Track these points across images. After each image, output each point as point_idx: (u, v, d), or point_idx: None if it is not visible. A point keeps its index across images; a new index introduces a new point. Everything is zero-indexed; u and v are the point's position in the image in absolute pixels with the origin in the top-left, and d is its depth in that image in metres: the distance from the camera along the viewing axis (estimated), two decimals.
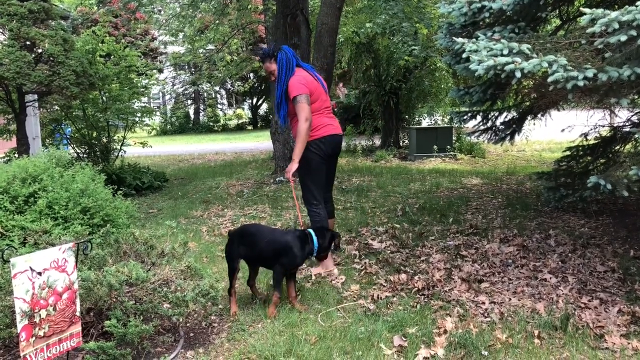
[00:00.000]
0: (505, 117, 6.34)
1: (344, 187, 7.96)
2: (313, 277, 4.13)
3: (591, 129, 6.02)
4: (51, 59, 6.75)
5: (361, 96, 14.26)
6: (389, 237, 5.13)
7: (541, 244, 4.69)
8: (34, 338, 2.37)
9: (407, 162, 11.37)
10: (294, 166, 4.01)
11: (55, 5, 7.93)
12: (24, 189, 3.88)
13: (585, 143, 5.96)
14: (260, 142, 18.49)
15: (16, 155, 7.19)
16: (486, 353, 2.86)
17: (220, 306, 3.44)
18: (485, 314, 3.36)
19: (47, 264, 2.42)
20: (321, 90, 4.18)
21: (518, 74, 3.42)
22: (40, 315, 2.39)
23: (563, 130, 6.40)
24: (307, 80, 4.06)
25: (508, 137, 6.29)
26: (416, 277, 3.98)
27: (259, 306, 3.57)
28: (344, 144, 13.48)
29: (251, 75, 26.38)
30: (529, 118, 6.26)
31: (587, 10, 3.31)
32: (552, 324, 3.14)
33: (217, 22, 13.28)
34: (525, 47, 3.54)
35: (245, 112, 31.65)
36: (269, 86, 14.95)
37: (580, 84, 3.28)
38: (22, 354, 2.32)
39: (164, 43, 24.88)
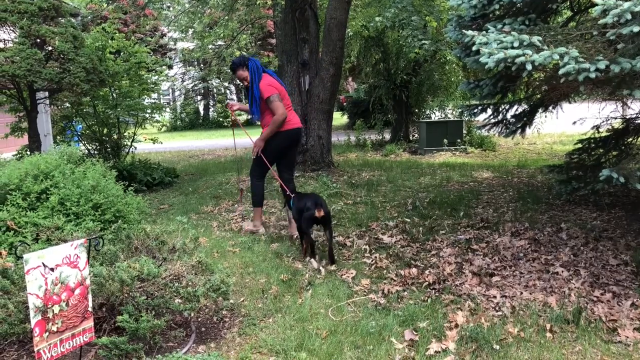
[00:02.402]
0: (516, 110, 6.30)
1: (353, 181, 7.95)
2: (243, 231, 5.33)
3: (603, 121, 5.96)
4: (61, 56, 6.77)
5: (371, 90, 14.19)
6: (399, 232, 5.12)
7: (553, 237, 4.66)
8: (47, 333, 2.40)
9: (417, 156, 11.32)
10: (260, 143, 5.04)
11: (65, 3, 7.96)
12: (36, 185, 3.92)
13: (597, 135, 5.90)
14: None
15: (28, 152, 7.25)
16: (498, 347, 2.85)
17: (231, 301, 3.45)
18: (497, 308, 3.34)
19: (59, 260, 2.44)
20: (284, 91, 5.11)
21: (529, 67, 3.40)
22: (53, 311, 2.41)
23: (575, 122, 6.35)
24: (273, 84, 4.97)
25: (519, 130, 6.25)
26: (427, 271, 3.97)
27: (270, 301, 3.58)
28: (353, 138, 13.53)
29: None
30: (540, 111, 6.21)
31: (599, 1, 3.27)
32: (564, 318, 3.12)
33: (226, 17, 13.29)
34: (536, 39, 3.51)
35: None
36: None
37: (592, 75, 3.25)
38: (35, 349, 2.35)
39: (174, 39, 24.99)
